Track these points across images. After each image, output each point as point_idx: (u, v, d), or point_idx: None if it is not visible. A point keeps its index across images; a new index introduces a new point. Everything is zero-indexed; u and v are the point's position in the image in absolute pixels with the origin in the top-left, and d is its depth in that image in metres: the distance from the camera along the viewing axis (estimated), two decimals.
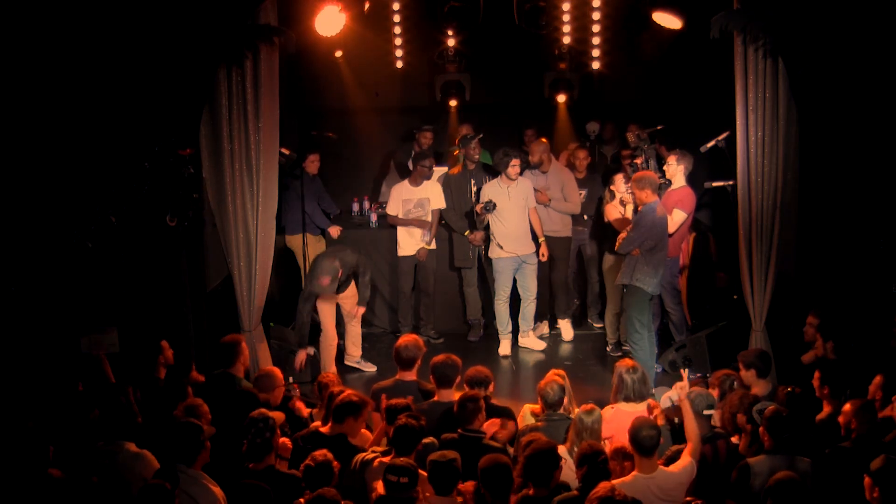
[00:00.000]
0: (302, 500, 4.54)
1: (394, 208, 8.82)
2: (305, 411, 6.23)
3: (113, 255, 6.43)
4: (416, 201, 8.78)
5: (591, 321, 9.30)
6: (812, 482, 4.81)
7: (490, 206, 8.22)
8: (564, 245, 8.88)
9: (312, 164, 9.16)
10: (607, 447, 5.18)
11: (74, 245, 5.66)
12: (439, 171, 9.39)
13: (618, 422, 5.59)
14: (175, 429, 4.88)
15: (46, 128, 6.22)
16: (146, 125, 6.56)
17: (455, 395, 5.84)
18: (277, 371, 6.23)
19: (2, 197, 6.08)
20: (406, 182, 8.88)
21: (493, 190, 8.38)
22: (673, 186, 7.88)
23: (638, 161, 8.02)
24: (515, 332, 8.74)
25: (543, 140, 8.94)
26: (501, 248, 8.41)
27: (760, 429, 5.01)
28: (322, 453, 4.72)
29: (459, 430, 5.34)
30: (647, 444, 4.84)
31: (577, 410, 5.97)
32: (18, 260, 5.89)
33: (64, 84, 6.19)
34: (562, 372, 5.81)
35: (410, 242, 8.83)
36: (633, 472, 4.87)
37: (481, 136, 8.75)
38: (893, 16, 6.20)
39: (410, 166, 9.43)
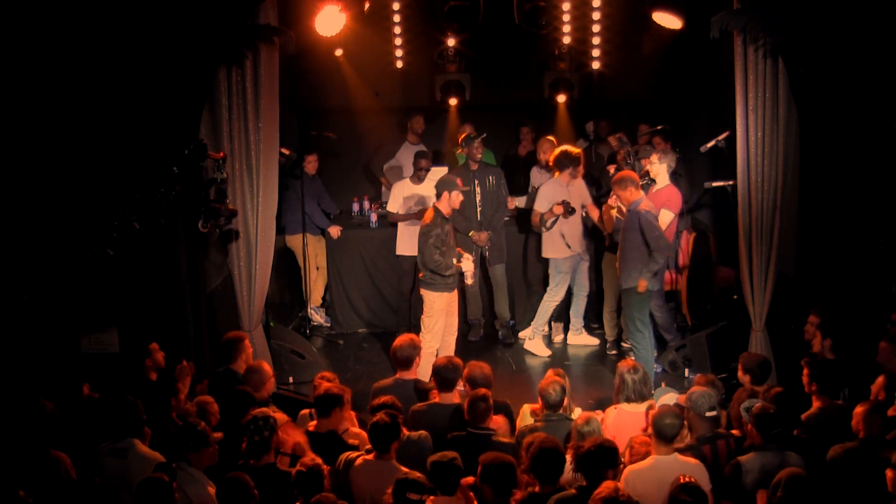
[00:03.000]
0: None
1: (395, 206, 8.82)
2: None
3: (125, 258, 6.36)
4: (417, 199, 8.78)
5: (587, 321, 9.30)
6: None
7: (571, 210, 8.19)
8: None
9: (310, 165, 9.16)
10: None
11: (95, 253, 5.56)
12: (438, 171, 9.39)
13: (621, 423, 5.59)
14: (170, 429, 4.97)
15: (56, 132, 6.20)
16: (171, 127, 6.51)
17: (456, 398, 5.85)
18: (266, 365, 6.26)
19: (20, 204, 6.06)
20: (407, 180, 8.90)
21: (554, 188, 8.33)
22: (658, 186, 7.81)
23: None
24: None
25: (550, 138, 8.94)
26: (570, 247, 8.40)
27: (749, 426, 5.05)
28: (311, 458, 4.73)
29: (468, 429, 5.35)
30: (669, 432, 4.90)
31: (577, 410, 5.98)
32: (34, 268, 5.82)
33: (66, 83, 6.17)
34: (561, 371, 5.81)
35: (410, 242, 8.82)
36: (652, 456, 4.91)
37: (484, 135, 8.72)
38: (893, 16, 6.20)
39: (401, 163, 9.44)
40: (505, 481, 4.56)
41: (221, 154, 6.60)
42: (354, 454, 5.07)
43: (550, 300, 8.53)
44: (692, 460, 4.95)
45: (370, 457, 4.99)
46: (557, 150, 8.38)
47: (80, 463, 4.96)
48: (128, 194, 6.02)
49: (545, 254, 8.48)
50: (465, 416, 5.41)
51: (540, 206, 8.34)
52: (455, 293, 7.67)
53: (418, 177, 8.81)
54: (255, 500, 4.42)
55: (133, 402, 5.15)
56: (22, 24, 5.90)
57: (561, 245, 8.38)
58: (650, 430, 4.98)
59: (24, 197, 6.09)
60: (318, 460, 4.74)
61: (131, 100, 6.38)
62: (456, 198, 7.44)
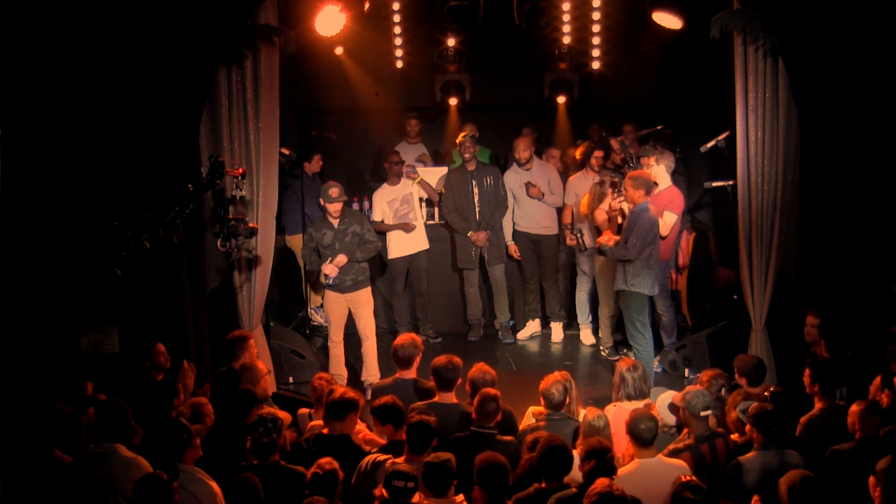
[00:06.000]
0: None
1: (379, 213, 8.77)
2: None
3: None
4: (401, 199, 8.74)
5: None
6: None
7: (579, 230, 8.28)
8: (553, 242, 8.89)
9: (317, 164, 9.17)
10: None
11: (102, 272, 5.49)
12: (438, 171, 9.38)
13: (619, 421, 5.58)
14: (160, 428, 4.95)
15: (57, 133, 6.19)
16: (171, 127, 6.47)
17: (455, 397, 5.84)
18: (260, 364, 6.29)
19: (29, 222, 6.04)
20: (385, 185, 8.84)
21: (579, 182, 8.49)
22: (659, 187, 7.78)
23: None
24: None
25: (527, 137, 8.96)
26: (582, 249, 8.46)
27: (747, 427, 5.05)
28: (328, 461, 4.72)
29: (472, 428, 5.35)
30: (646, 436, 4.90)
31: (582, 411, 5.97)
32: (39, 287, 5.78)
33: (66, 83, 6.17)
34: (566, 374, 5.79)
35: (400, 244, 8.81)
36: (636, 460, 4.91)
37: (474, 135, 8.74)
38: (893, 16, 6.20)
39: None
40: (499, 482, 4.56)
41: (241, 171, 6.53)
42: (382, 456, 5.03)
43: (579, 291, 8.76)
44: (678, 462, 4.96)
45: (400, 459, 4.94)
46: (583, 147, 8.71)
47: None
48: (138, 210, 5.87)
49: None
50: (473, 414, 5.40)
51: (568, 198, 8.57)
52: (339, 295, 7.82)
53: (396, 174, 8.78)
54: (261, 501, 4.43)
55: (122, 406, 5.11)
56: (22, 25, 5.90)
57: (585, 238, 8.50)
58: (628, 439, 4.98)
59: (31, 210, 6.07)
60: (336, 464, 4.71)
61: (131, 100, 6.38)
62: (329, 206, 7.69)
